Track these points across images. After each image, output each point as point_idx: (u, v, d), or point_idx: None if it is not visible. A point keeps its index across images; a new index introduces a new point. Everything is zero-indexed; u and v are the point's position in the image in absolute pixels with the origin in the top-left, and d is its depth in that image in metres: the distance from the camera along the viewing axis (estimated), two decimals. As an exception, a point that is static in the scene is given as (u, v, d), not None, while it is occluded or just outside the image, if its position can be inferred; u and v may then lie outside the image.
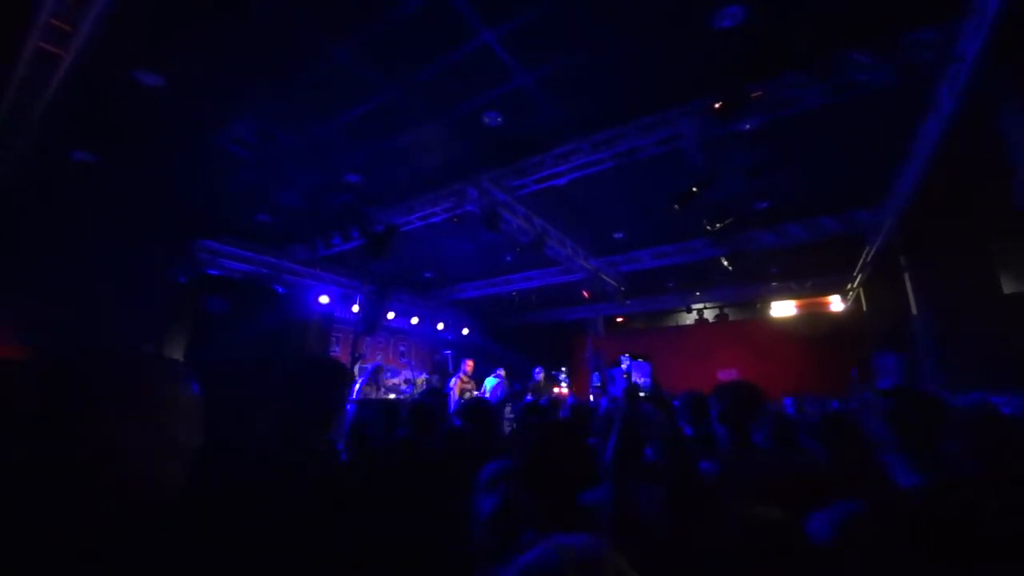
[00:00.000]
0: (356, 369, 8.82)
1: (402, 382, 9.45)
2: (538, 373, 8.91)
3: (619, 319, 12.86)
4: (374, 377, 7.93)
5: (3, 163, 4.60)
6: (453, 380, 8.12)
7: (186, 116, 4.55)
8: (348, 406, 6.83)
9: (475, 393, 8.04)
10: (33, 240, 5.51)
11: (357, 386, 7.87)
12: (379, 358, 10.79)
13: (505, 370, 8.63)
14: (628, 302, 10.29)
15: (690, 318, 11.85)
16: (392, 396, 7.99)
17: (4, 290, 5.26)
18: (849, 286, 9.25)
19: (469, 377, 8.17)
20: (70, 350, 0.80)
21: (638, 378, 8.22)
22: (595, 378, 9.71)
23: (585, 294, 10.42)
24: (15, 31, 3.29)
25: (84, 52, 3.48)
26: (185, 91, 4.20)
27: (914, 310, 6.63)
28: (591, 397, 9.92)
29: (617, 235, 7.92)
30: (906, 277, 6.78)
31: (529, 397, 7.93)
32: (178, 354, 6.54)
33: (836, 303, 10.06)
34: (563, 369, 11.12)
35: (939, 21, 3.47)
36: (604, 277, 9.05)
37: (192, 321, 6.88)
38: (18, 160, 4.61)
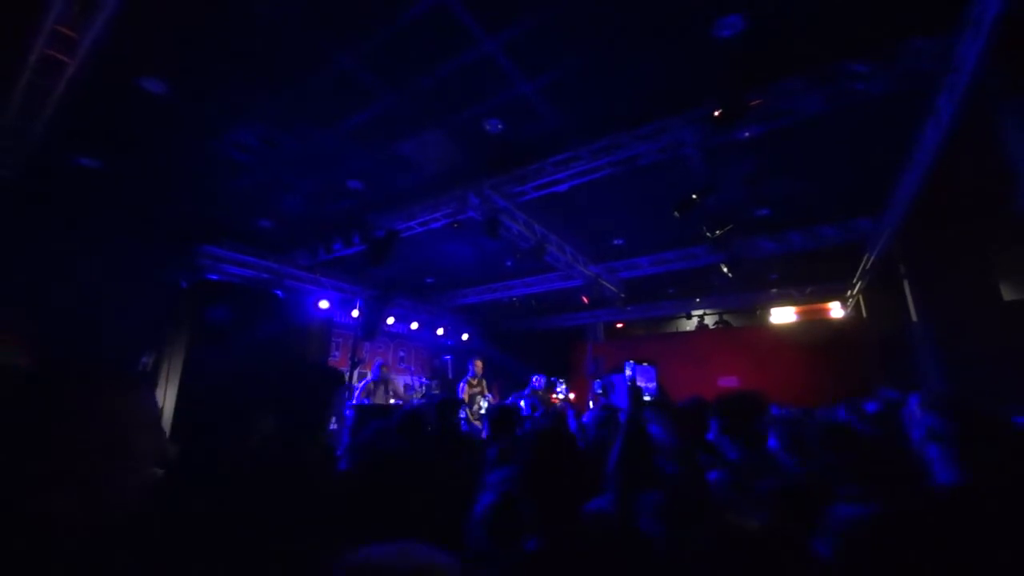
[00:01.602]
0: (356, 374, 8.81)
1: (403, 387, 9.44)
2: (538, 381, 8.84)
3: (619, 325, 12.85)
4: (381, 376, 7.87)
5: (9, 168, 4.62)
6: (461, 384, 8.05)
7: (189, 122, 4.57)
8: (347, 411, 6.81)
9: (486, 396, 7.97)
10: (38, 244, 5.52)
11: (361, 386, 7.83)
12: (374, 365, 10.79)
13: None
14: (628, 308, 10.30)
15: (690, 324, 11.84)
16: (393, 401, 7.95)
17: (8, 294, 5.27)
18: (849, 293, 9.26)
19: (478, 379, 8.08)
20: (36, 362, 0.83)
21: (643, 383, 8.11)
22: (596, 385, 9.68)
23: (585, 300, 10.43)
24: (22, 38, 3.32)
25: (89, 58, 3.50)
26: (188, 97, 4.23)
27: (914, 317, 6.63)
28: (590, 404, 9.89)
29: (617, 241, 7.94)
30: (906, 284, 6.78)
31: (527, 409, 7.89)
32: (179, 359, 6.53)
33: (836, 310, 10.06)
34: (562, 380, 11.06)
35: (937, 30, 3.50)
36: (604, 283, 9.06)
37: (193, 325, 6.88)
38: (24, 165, 4.63)
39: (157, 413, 0.89)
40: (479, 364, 8.15)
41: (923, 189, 5.05)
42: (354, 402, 7.45)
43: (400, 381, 9.71)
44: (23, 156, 4.52)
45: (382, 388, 7.86)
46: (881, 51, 3.67)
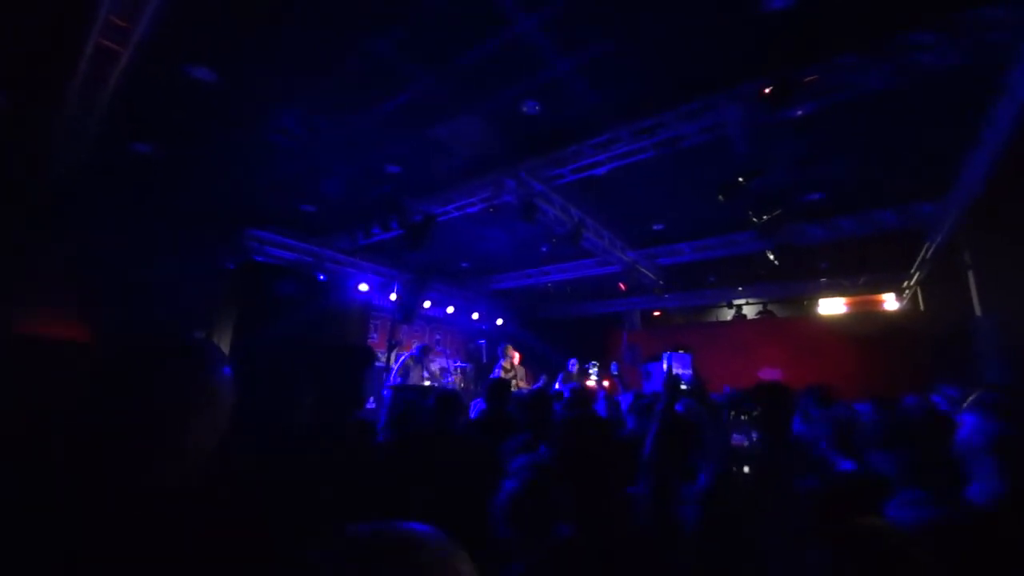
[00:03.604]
0: (393, 356, 8.98)
1: (438, 370, 9.56)
2: (572, 365, 8.79)
3: (656, 313, 12.61)
4: (420, 357, 8.01)
5: (69, 154, 4.89)
6: (496, 371, 8.11)
7: (235, 108, 4.70)
8: (385, 391, 6.97)
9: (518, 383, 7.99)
10: (95, 227, 5.85)
11: (400, 361, 7.99)
12: (415, 346, 10.97)
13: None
14: (666, 296, 10.06)
15: (730, 314, 11.49)
16: (428, 383, 8.07)
17: (68, 273, 5.63)
18: (905, 284, 8.74)
19: (512, 365, 8.10)
20: (125, 338, 0.90)
21: (679, 369, 7.93)
22: (613, 367, 9.60)
23: (622, 287, 10.26)
24: (78, 29, 3.48)
25: (140, 48, 3.64)
26: (235, 84, 4.34)
27: (978, 310, 6.20)
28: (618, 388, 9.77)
29: (657, 227, 7.75)
30: (970, 275, 6.34)
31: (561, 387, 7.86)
32: (226, 336, 6.84)
33: (891, 302, 9.53)
34: (594, 363, 10.92)
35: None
36: (642, 270, 8.87)
37: (240, 304, 7.18)
38: (82, 152, 4.89)
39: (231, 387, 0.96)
40: (510, 350, 8.13)
41: (993, 172, 4.67)
42: (391, 379, 7.62)
43: (436, 363, 9.83)
44: (82, 144, 4.77)
45: (419, 367, 7.98)
46: (947, 21, 3.37)
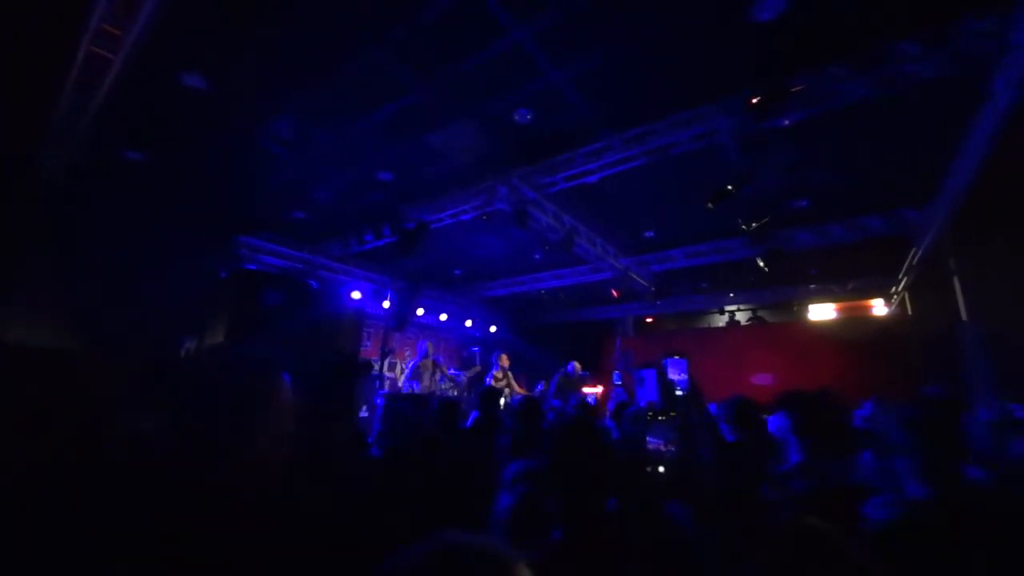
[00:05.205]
0: (386, 364, 8.93)
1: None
2: (571, 367, 8.64)
3: (649, 320, 12.65)
4: (429, 353, 7.89)
5: (60, 160, 4.85)
6: (487, 379, 8.05)
7: (229, 116, 4.70)
8: (378, 400, 6.93)
9: (515, 395, 7.93)
10: (87, 235, 5.80)
11: (412, 366, 7.90)
12: (408, 353, 10.91)
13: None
14: (659, 302, 10.11)
15: (722, 320, 11.55)
16: (445, 386, 7.95)
17: (60, 279, 5.57)
18: (893, 289, 8.85)
19: (504, 373, 8.05)
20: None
21: (674, 375, 7.87)
22: (616, 376, 9.60)
23: (614, 293, 10.29)
24: (70, 37, 3.47)
25: (133, 56, 3.63)
26: (228, 91, 4.34)
27: (964, 315, 6.29)
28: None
29: (648, 234, 7.79)
30: (956, 280, 6.44)
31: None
32: (217, 344, 6.78)
33: (879, 307, 9.64)
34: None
35: (993, 9, 3.27)
36: (634, 276, 8.91)
37: (231, 312, 7.13)
38: (73, 158, 4.86)
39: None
40: (504, 359, 8.09)
41: (977, 180, 4.76)
42: (402, 383, 7.53)
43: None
44: (73, 150, 4.74)
45: (430, 370, 7.88)
46: (935, 31, 3.46)
